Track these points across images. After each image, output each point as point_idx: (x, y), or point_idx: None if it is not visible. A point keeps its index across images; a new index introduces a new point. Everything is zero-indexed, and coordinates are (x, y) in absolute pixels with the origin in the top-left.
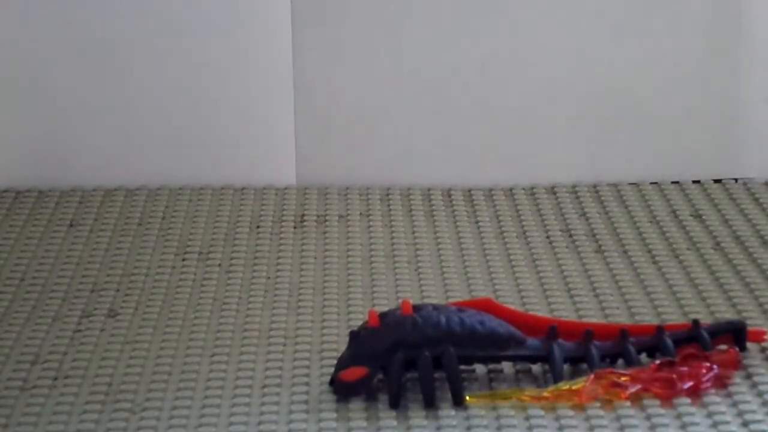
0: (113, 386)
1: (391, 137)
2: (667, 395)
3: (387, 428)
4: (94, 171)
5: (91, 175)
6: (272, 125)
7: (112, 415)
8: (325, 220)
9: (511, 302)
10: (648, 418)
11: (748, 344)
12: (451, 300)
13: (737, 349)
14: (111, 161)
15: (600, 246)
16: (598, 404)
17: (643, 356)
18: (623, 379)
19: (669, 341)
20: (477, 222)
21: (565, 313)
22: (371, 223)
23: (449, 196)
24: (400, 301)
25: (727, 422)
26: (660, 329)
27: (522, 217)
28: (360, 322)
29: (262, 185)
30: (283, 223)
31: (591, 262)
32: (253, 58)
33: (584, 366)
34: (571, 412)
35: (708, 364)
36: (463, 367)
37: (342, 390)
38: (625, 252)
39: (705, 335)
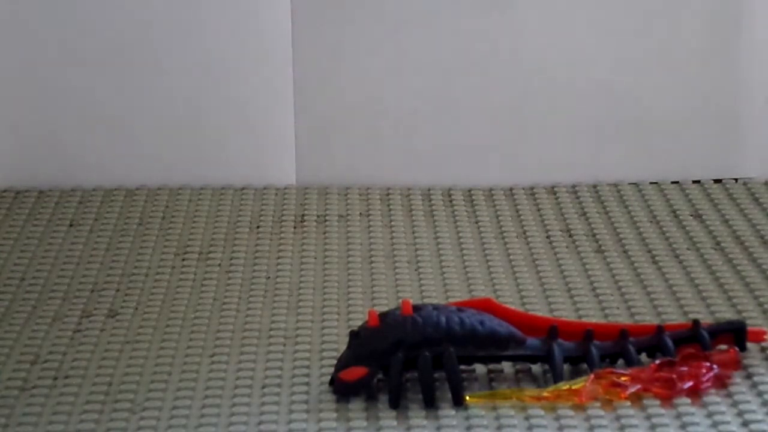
0: (113, 386)
1: (391, 137)
2: (667, 395)
3: (387, 428)
4: (94, 171)
5: (91, 175)
6: (272, 125)
7: (112, 415)
8: (325, 220)
9: (511, 302)
10: (648, 418)
11: (748, 344)
12: (451, 300)
13: (737, 349)
14: (111, 161)
15: (600, 246)
16: (598, 404)
17: (643, 356)
18: (623, 379)
19: (669, 341)
20: (477, 222)
21: (565, 313)
22: (371, 223)
23: (449, 196)
24: (400, 301)
25: (727, 422)
26: (660, 329)
27: (522, 217)
28: (360, 322)
29: (262, 185)
30: (283, 223)
31: (591, 262)
32: (253, 58)
33: (584, 366)
34: (571, 412)
35: (708, 364)
36: (463, 367)
37: (342, 390)
38: (625, 252)
39: (705, 335)
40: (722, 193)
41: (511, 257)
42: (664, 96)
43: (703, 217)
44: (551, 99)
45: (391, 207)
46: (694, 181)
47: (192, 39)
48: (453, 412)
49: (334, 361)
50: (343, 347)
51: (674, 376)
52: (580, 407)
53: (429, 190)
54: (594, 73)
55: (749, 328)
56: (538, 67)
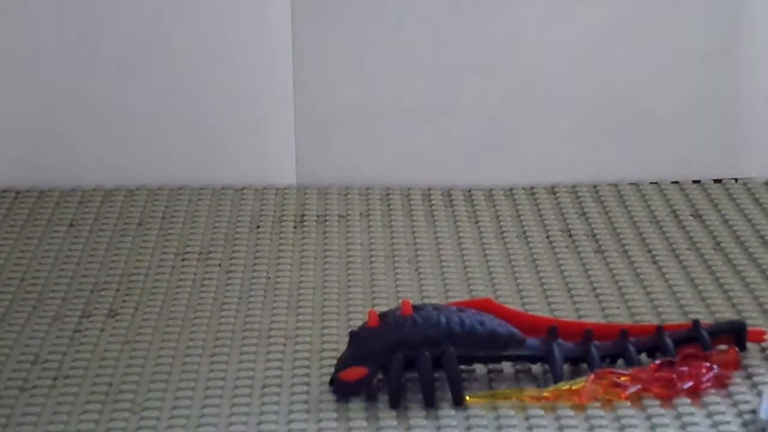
0: (113, 386)
1: (391, 137)
2: (667, 395)
3: (387, 428)
4: (94, 171)
5: (91, 175)
6: (272, 125)
7: (112, 415)
8: (325, 220)
9: (511, 302)
10: (648, 418)
11: (748, 344)
12: (451, 300)
13: (737, 349)
14: (111, 161)
15: (600, 246)
16: (598, 404)
17: (643, 356)
18: (623, 379)
19: (669, 341)
20: (477, 222)
21: (565, 313)
22: (371, 223)
23: (449, 196)
24: (400, 301)
25: (727, 422)
26: (660, 329)
27: (522, 217)
28: (360, 322)
29: (262, 185)
30: (283, 223)
31: (591, 262)
32: (253, 58)
33: (584, 366)
34: (571, 412)
35: (708, 364)
36: (463, 367)
37: (342, 390)
38: (625, 252)
39: (705, 335)
40: (722, 193)
41: (511, 257)
42: (664, 96)
43: (703, 217)
44: (551, 99)
45: (391, 207)
46: (694, 181)
47: (192, 39)
48: (453, 412)
49: (334, 361)
50: (343, 347)
51: (674, 376)
52: (580, 407)
53: (429, 190)
54: (594, 73)
55: (749, 328)
56: (538, 67)
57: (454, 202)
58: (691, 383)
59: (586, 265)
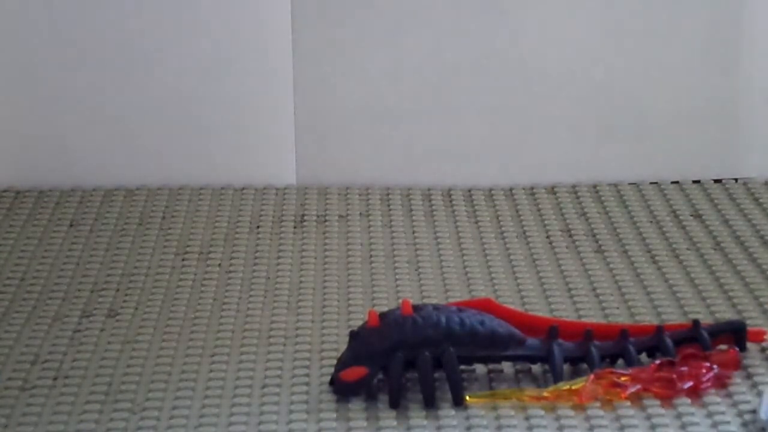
0: (113, 386)
1: (391, 137)
2: (667, 395)
3: (387, 428)
4: (94, 171)
5: (91, 175)
6: (272, 125)
7: (112, 415)
8: (325, 220)
9: (511, 302)
10: (648, 418)
11: (748, 344)
12: (451, 300)
13: (737, 349)
14: (111, 161)
15: (600, 246)
16: (598, 404)
17: (643, 356)
18: (623, 379)
19: (669, 341)
20: (477, 222)
21: (565, 313)
22: (371, 223)
23: (449, 196)
24: (400, 301)
25: (727, 422)
26: (660, 329)
27: (522, 217)
28: (360, 322)
29: (262, 185)
30: (283, 223)
31: (591, 262)
32: (253, 59)
33: (584, 366)
34: (571, 412)
35: (708, 364)
36: (463, 367)
37: (342, 390)
38: (625, 252)
39: (705, 335)
40: (722, 193)
41: (511, 257)
42: (665, 96)
43: (703, 217)
44: (551, 99)
45: (391, 207)
46: (694, 181)
47: (192, 39)
48: (453, 412)
49: (334, 361)
50: (343, 347)
51: (674, 376)
52: (580, 407)
53: (429, 190)
54: (594, 73)
55: (749, 328)
56: (538, 67)
57: (454, 202)
58: (691, 383)
59: (586, 265)
